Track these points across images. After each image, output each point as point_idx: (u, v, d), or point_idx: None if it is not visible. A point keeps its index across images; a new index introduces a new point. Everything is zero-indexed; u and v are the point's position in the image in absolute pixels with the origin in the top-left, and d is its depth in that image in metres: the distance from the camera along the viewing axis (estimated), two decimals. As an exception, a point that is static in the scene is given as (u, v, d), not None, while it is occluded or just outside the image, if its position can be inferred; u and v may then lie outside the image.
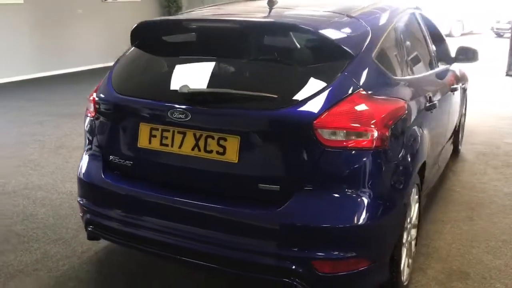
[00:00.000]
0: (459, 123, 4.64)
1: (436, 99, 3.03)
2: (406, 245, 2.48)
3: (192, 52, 2.44)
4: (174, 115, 2.10)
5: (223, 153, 2.07)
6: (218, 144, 2.08)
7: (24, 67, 9.55)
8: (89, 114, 2.47)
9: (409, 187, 2.25)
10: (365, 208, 2.00)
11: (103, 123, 2.40)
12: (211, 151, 2.09)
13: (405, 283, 2.49)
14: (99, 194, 2.41)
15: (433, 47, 3.40)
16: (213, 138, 2.08)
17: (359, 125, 1.97)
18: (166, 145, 2.19)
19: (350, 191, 2.00)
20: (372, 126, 1.99)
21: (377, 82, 2.21)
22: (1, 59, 9.10)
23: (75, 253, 2.93)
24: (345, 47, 2.13)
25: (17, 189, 4.02)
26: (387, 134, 2.04)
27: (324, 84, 2.01)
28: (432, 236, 3.18)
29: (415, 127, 2.42)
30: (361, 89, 2.05)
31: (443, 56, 4.03)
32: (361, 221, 1.98)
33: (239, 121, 2.06)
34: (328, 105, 1.96)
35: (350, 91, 2.02)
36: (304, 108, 1.96)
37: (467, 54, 4.01)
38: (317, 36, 2.16)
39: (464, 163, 4.74)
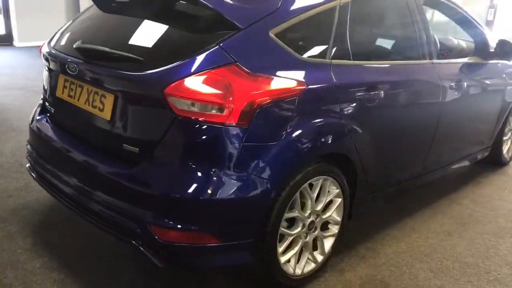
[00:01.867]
0: (503, 131, 4.05)
1: (408, 94, 2.73)
2: (302, 239, 2.35)
3: (105, 11, 2.53)
4: (69, 68, 2.25)
5: (102, 110, 2.16)
6: (100, 101, 2.17)
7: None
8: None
9: (285, 176, 2.09)
10: (210, 183, 1.94)
11: (45, 72, 2.65)
12: (95, 107, 2.20)
13: (295, 277, 2.35)
14: (32, 138, 2.67)
15: (432, 37, 2.99)
16: (97, 94, 2.19)
17: (213, 99, 1.90)
18: (72, 96, 2.35)
19: (196, 164, 1.95)
20: (229, 101, 1.90)
21: (267, 60, 2.07)
22: None
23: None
24: (230, 19, 2.03)
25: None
26: (248, 113, 1.94)
27: (191, 53, 1.96)
28: (386, 242, 2.90)
29: (323, 116, 2.22)
30: (236, 64, 1.95)
31: (477, 48, 3.55)
32: (202, 195, 1.92)
33: (111, 80, 2.12)
34: (185, 74, 1.91)
35: (217, 64, 1.93)
36: (160, 73, 1.95)
37: (506, 49, 3.48)
38: (201, 3, 2.09)
39: (500, 177, 4.13)
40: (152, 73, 1.97)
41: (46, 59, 2.55)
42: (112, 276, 2.41)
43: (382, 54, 2.76)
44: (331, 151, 2.33)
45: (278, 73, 2.07)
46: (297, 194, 2.22)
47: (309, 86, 2.14)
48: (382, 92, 2.51)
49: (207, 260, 2.07)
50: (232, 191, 1.97)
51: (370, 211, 3.20)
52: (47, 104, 2.64)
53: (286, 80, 2.07)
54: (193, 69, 1.92)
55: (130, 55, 2.06)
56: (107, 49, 2.15)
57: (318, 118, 2.21)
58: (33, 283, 2.34)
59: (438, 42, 3.39)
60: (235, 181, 1.98)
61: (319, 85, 2.22)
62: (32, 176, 2.63)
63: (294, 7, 2.22)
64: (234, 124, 1.92)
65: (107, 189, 2.12)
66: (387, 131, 2.67)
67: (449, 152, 3.42)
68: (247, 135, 1.96)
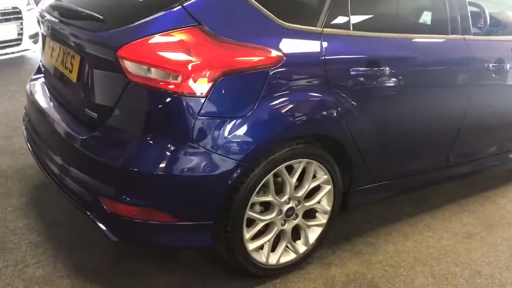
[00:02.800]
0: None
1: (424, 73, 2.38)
2: (278, 226, 2.13)
3: None
4: (44, 26, 2.17)
5: (71, 71, 2.06)
6: (70, 62, 2.07)
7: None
8: None
9: (252, 156, 1.86)
10: (162, 157, 1.77)
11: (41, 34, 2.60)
12: (67, 68, 2.10)
13: (267, 267, 2.16)
14: (26, 99, 2.65)
15: (466, 7, 2.56)
16: (69, 54, 2.09)
17: (167, 64, 1.71)
18: (53, 57, 2.28)
19: (149, 135, 1.79)
20: (184, 68, 1.70)
21: (240, 25, 1.84)
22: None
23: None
24: None
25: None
26: (207, 82, 1.74)
27: (151, 13, 1.78)
28: (391, 238, 2.60)
29: (304, 92, 1.96)
30: (200, 27, 1.75)
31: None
32: (153, 169, 1.77)
33: (76, 40, 2.00)
34: (140, 35, 1.74)
35: (178, 26, 1.74)
36: (115, 34, 1.79)
37: None
38: None
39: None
40: (107, 33, 1.83)
41: (37, 20, 2.50)
42: (87, 246, 2.35)
43: (394, 26, 2.39)
44: (313, 133, 2.07)
45: (251, 39, 1.83)
46: (270, 176, 2.00)
47: (289, 57, 1.89)
48: (390, 69, 2.18)
49: (161, 239, 1.94)
50: (187, 167, 1.80)
51: (382, 202, 2.90)
52: (41, 65, 2.61)
53: (259, 48, 1.84)
54: (150, 31, 1.75)
55: (93, 13, 1.92)
56: (74, 7, 2.03)
57: (298, 94, 1.95)
58: (9, 243, 2.34)
59: (487, 15, 2.95)
60: (190, 157, 1.80)
61: (303, 57, 1.96)
62: (24, 138, 2.62)
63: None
64: (188, 94, 1.74)
65: (68, 155, 2.04)
66: (396, 116, 2.34)
67: (482, 145, 2.99)
68: (205, 106, 1.76)
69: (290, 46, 1.92)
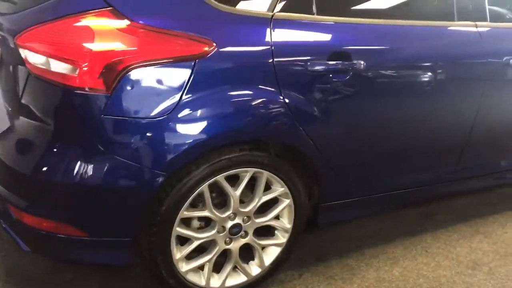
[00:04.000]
0: None
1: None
2: (220, 245, 1.81)
3: None
4: None
5: (-2, 60, 1.86)
6: (-3, 49, 1.87)
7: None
8: None
9: (176, 164, 1.56)
10: (63, 164, 1.52)
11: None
12: (-4, 56, 1.91)
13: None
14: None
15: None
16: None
17: (66, 54, 1.44)
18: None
19: (49, 137, 1.54)
20: (83, 59, 1.42)
21: (162, 8, 1.52)
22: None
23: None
24: None
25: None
26: (111, 76, 1.45)
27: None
28: (376, 263, 2.20)
29: (243, 89, 1.62)
30: (111, 9, 1.46)
31: None
32: (52, 177, 1.51)
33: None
34: (41, 20, 1.48)
35: (83, 9, 1.46)
36: (18, 18, 1.56)
37: None
38: None
39: None
40: (12, 17, 1.60)
41: None
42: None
43: (376, 9, 1.97)
44: (258, 138, 1.73)
45: (173, 25, 1.52)
46: (205, 188, 1.69)
47: (222, 47, 1.56)
48: (366, 63, 1.78)
49: (74, 254, 1.70)
50: (93, 176, 1.53)
51: (379, 215, 2.50)
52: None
53: (181, 36, 1.52)
54: (52, 15, 1.49)
55: None
56: None
57: (234, 92, 1.62)
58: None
59: None
60: (97, 165, 1.53)
61: (242, 47, 1.62)
62: None
63: None
64: (90, 89, 1.46)
65: None
66: (376, 119, 1.93)
67: (504, 155, 2.48)
68: (111, 104, 1.48)
69: (225, 33, 1.59)
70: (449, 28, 2.04)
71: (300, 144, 1.79)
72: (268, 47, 1.63)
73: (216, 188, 1.76)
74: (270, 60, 1.64)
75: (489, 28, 2.11)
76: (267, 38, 1.64)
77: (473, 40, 2.05)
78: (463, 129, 2.19)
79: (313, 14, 1.74)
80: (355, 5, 1.89)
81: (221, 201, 1.80)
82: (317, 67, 1.71)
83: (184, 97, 1.54)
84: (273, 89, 1.67)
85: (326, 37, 1.76)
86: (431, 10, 2.08)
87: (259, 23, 1.64)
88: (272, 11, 1.66)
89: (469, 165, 2.35)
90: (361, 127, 1.91)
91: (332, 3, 1.81)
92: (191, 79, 1.53)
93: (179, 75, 1.53)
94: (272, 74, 1.65)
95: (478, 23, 2.07)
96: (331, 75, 1.74)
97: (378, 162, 2.05)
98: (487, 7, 2.11)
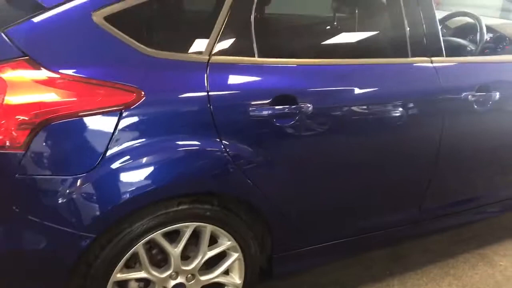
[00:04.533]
0: None
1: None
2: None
3: None
4: None
5: None
6: None
7: None
8: None
9: (104, 223, 1.42)
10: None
11: None
12: None
13: None
14: None
15: (434, 18, 2.00)
16: None
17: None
18: None
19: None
20: (-7, 114, 1.31)
21: (84, 55, 1.41)
22: None
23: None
24: None
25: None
26: (26, 132, 1.32)
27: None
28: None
29: (178, 140, 1.50)
30: (26, 59, 1.34)
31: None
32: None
33: None
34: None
35: (-4, 58, 1.35)
36: None
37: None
38: None
39: None
40: None
41: None
42: None
43: (324, 49, 1.88)
44: (198, 191, 1.60)
45: (96, 73, 1.40)
46: (139, 247, 1.54)
47: (151, 95, 1.44)
48: (314, 106, 1.67)
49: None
50: (8, 241, 1.39)
51: (345, 259, 2.36)
52: None
53: (105, 85, 1.40)
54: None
55: None
56: None
57: (167, 143, 1.49)
58: None
59: (483, 28, 2.40)
60: (11, 229, 1.39)
61: (175, 94, 1.50)
62: None
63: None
64: (0, 146, 1.33)
65: None
66: (327, 163, 1.81)
67: (473, 192, 2.38)
68: (25, 163, 1.34)
69: (155, 80, 1.47)
70: (403, 64, 1.95)
71: (246, 193, 1.67)
72: (204, 93, 1.52)
73: (156, 245, 1.62)
74: (207, 107, 1.52)
75: (445, 64, 2.03)
76: (203, 84, 1.52)
77: (429, 76, 1.97)
78: (424, 168, 2.08)
79: (254, 56, 1.64)
80: (301, 46, 1.81)
81: (163, 258, 1.66)
82: (260, 112, 1.60)
83: (109, 151, 1.41)
84: (211, 137, 1.55)
85: (269, 80, 1.65)
86: (382, 47, 2.00)
87: (194, 68, 1.53)
88: (209, 55, 1.56)
89: (435, 204, 2.24)
90: (312, 172, 1.79)
91: (275, 44, 1.72)
92: (116, 131, 1.41)
93: (103, 127, 1.40)
94: (209, 122, 1.53)
95: (433, 58, 1.99)
96: (275, 120, 1.62)
97: (333, 208, 1.93)
98: (442, 41, 2.03)
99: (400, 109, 1.90)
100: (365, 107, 1.82)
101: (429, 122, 2.00)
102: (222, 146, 1.56)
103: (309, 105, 1.67)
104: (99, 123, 1.40)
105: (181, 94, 1.51)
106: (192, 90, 1.52)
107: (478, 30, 2.48)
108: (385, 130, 1.91)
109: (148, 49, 1.47)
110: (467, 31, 2.75)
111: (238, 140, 1.59)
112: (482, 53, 2.51)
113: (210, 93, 1.52)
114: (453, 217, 2.33)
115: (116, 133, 1.41)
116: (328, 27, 2.00)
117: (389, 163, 1.97)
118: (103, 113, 1.39)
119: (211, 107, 1.52)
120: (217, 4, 1.62)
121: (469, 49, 2.56)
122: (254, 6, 1.64)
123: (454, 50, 2.49)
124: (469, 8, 3.18)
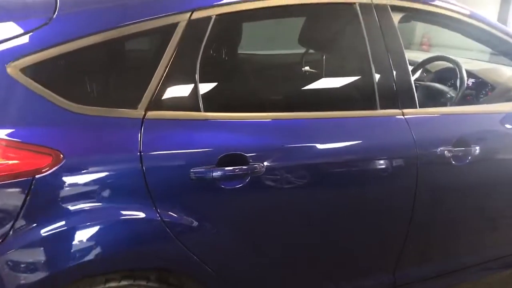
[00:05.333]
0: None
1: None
2: None
3: None
4: None
5: None
6: None
7: None
8: None
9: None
10: None
11: None
12: None
13: None
14: None
15: (405, 65, 1.83)
16: None
17: None
18: None
19: None
20: None
21: (2, 111, 1.24)
22: None
23: None
24: None
25: None
26: None
27: None
28: None
29: (104, 209, 1.30)
30: None
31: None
32: None
33: None
34: None
35: None
36: None
37: None
38: None
39: None
40: None
41: None
42: None
43: (280, 102, 1.71)
44: (129, 265, 1.39)
45: (8, 133, 1.22)
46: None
47: (72, 158, 1.26)
48: (268, 164, 1.48)
49: None
50: None
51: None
52: None
53: (14, 146, 1.21)
54: None
55: None
56: None
57: (92, 212, 1.29)
58: None
59: (463, 73, 2.24)
60: None
61: (102, 156, 1.31)
62: None
63: (72, 26, 1.34)
64: None
65: None
66: (283, 229, 1.61)
67: (452, 252, 2.16)
68: None
69: (78, 140, 1.29)
70: (371, 118, 1.77)
71: (187, 267, 1.46)
72: (136, 154, 1.33)
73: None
74: (139, 170, 1.33)
75: (418, 115, 1.85)
76: (136, 143, 1.34)
77: (400, 130, 1.79)
78: (397, 229, 1.88)
79: (199, 110, 1.46)
80: (255, 97, 1.63)
81: None
82: (204, 175, 1.41)
83: (19, 222, 1.21)
84: (144, 204, 1.35)
85: (215, 137, 1.46)
86: (347, 98, 1.83)
87: (125, 125, 1.35)
88: (144, 110, 1.38)
89: (411, 268, 2.02)
90: (265, 241, 1.58)
91: (224, 95, 1.55)
92: (27, 200, 1.21)
93: (10, 198, 1.21)
94: (142, 187, 1.34)
95: (405, 110, 1.82)
96: (221, 182, 1.43)
97: (292, 278, 1.71)
98: (421, 88, 1.86)
99: (368, 166, 1.71)
100: (327, 165, 1.63)
101: (401, 180, 1.80)
102: (158, 214, 1.36)
103: (262, 164, 1.48)
104: (6, 193, 1.20)
105: (108, 156, 1.32)
106: (122, 151, 1.33)
107: (458, 76, 2.32)
108: (350, 189, 1.71)
109: (71, 104, 1.30)
110: (448, 75, 2.60)
111: (176, 207, 1.39)
112: (462, 100, 2.34)
113: (143, 154, 1.33)
114: (431, 282, 2.11)
115: (26, 204, 1.21)
116: (288, 74, 1.83)
117: (358, 225, 1.77)
118: (11, 180, 1.20)
119: (144, 169, 1.33)
120: (156, 51, 1.46)
121: (449, 96, 2.40)
122: (201, 52, 1.47)
123: (432, 97, 2.33)
124: (460, 51, 3.06)
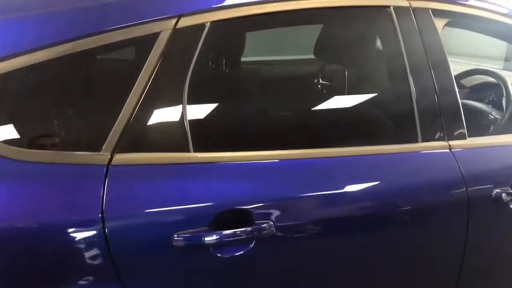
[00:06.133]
0: None
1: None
2: None
3: None
4: None
5: None
6: None
7: None
8: None
9: None
10: None
11: None
12: None
13: None
14: None
15: (453, 88, 1.46)
16: None
17: None
18: None
19: None
20: None
21: None
22: None
23: None
24: None
25: None
26: None
27: None
28: None
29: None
30: None
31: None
32: None
33: None
34: None
35: None
36: None
37: None
38: None
39: None
40: None
41: None
42: None
43: (293, 138, 1.31)
44: None
45: None
46: None
47: (13, 219, 0.89)
48: (281, 223, 1.10)
49: None
50: None
51: None
52: None
53: None
54: None
55: None
56: None
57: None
58: None
59: (510, 91, 1.88)
60: None
61: (46, 216, 0.94)
62: None
63: (8, 38, 0.98)
64: None
65: None
66: None
67: None
68: None
69: (22, 195, 0.92)
70: (409, 153, 1.39)
71: None
72: (97, 214, 0.95)
73: None
74: (101, 235, 0.95)
75: (467, 148, 1.46)
76: (97, 198, 0.96)
77: (445, 165, 1.39)
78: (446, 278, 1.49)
79: (188, 150, 1.08)
80: (261, 132, 1.25)
81: None
82: (193, 240, 1.02)
83: None
84: (108, 280, 0.97)
85: (210, 188, 1.08)
86: (377, 129, 1.44)
87: (83, 175, 0.97)
88: (111, 152, 1.00)
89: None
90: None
91: (220, 131, 1.17)
92: None
93: None
94: (105, 257, 0.96)
95: (452, 142, 1.43)
96: (215, 250, 1.05)
97: None
98: (463, 117, 1.48)
99: (409, 216, 1.32)
100: (357, 218, 1.24)
101: (449, 228, 1.42)
102: (129, 292, 0.98)
103: (271, 223, 1.10)
104: None
105: (59, 214, 0.94)
106: (77, 209, 0.95)
107: (504, 94, 1.94)
108: (389, 242, 1.32)
109: (11, 148, 0.92)
110: (486, 92, 2.22)
111: (153, 284, 1.01)
112: (510, 122, 1.96)
113: (106, 216, 0.96)
114: None
115: None
116: (303, 103, 1.45)
117: (401, 279, 1.38)
118: None
119: (107, 234, 0.95)
120: (129, 71, 1.09)
121: (491, 117, 2.01)
122: (190, 70, 1.10)
123: (474, 120, 1.94)
124: (469, 58, 2.70)
